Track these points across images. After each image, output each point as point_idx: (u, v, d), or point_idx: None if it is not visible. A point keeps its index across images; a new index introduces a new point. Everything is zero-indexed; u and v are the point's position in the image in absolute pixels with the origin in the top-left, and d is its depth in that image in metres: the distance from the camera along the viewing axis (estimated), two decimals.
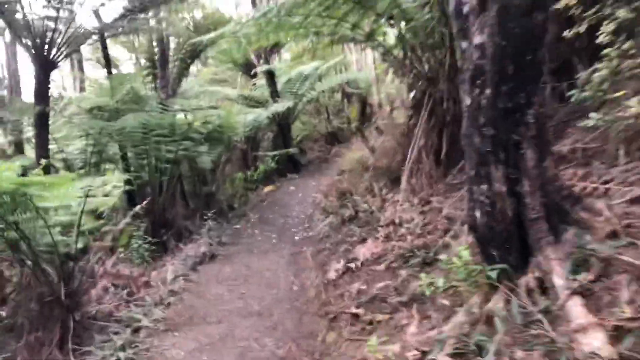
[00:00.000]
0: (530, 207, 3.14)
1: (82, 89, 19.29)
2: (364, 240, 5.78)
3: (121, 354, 4.44)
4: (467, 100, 3.28)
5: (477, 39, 3.14)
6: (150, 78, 12.99)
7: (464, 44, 3.32)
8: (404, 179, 6.39)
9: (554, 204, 3.24)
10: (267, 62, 14.49)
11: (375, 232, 5.78)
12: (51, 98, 9.41)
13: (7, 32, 12.55)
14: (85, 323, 5.25)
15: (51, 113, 9.31)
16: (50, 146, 8.93)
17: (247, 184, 12.42)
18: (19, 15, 8.38)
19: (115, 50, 18.09)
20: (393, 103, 13.38)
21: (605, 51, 3.88)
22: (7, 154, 11.43)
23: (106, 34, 10.39)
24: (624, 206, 3.43)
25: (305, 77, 14.70)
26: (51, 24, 8.36)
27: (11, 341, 5.21)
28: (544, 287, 3.07)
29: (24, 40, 8.60)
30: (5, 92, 13.80)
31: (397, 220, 5.63)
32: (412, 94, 7.59)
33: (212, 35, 7.74)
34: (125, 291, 5.94)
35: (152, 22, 10.60)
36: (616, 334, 2.48)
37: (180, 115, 10.31)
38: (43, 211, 4.71)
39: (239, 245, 8.20)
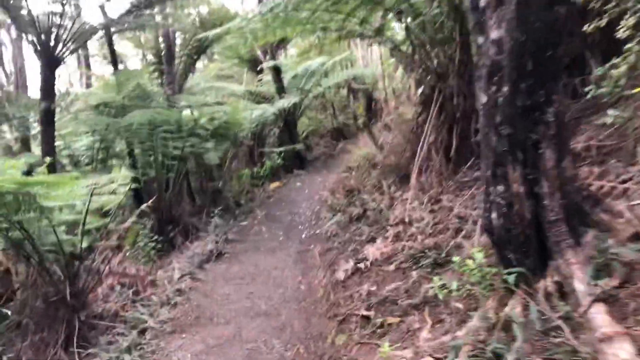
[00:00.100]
0: (549, 209, 3.02)
1: (88, 85, 19.23)
2: (372, 240, 5.66)
3: (126, 357, 4.37)
4: (483, 98, 3.16)
5: (494, 34, 3.02)
6: (156, 74, 12.91)
7: (480, 39, 3.19)
8: (413, 176, 6.26)
9: (574, 205, 3.12)
10: (273, 57, 14.39)
11: (384, 232, 5.66)
12: (57, 94, 9.35)
13: (13, 28, 12.50)
14: (90, 323, 5.19)
15: (57, 109, 9.25)
16: (56, 143, 8.86)
17: (253, 180, 12.34)
18: (24, 11, 8.29)
19: (122, 46, 18.03)
20: (399, 98, 13.28)
21: (628, 46, 3.74)
22: (13, 150, 11.37)
23: (112, 30, 10.31)
24: None
25: (312, 73, 14.60)
26: (57, 20, 8.28)
27: (17, 340, 5.16)
28: (563, 291, 2.96)
29: (29, 36, 8.52)
30: (11, 88, 13.75)
31: (406, 219, 5.51)
32: (420, 90, 7.47)
33: (218, 30, 7.64)
34: (131, 290, 5.88)
35: (158, 18, 10.50)
36: None
37: (186, 112, 10.23)
38: (47, 210, 4.64)
39: (245, 242, 8.11)
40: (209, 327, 4.94)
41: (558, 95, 2.97)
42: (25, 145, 11.34)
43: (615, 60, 4.14)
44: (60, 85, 21.24)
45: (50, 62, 8.50)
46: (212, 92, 15.20)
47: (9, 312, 5.53)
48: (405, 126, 7.60)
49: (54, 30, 8.39)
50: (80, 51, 17.96)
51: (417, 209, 5.62)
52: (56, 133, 8.76)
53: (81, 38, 9.14)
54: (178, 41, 12.44)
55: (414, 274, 4.34)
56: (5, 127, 12.06)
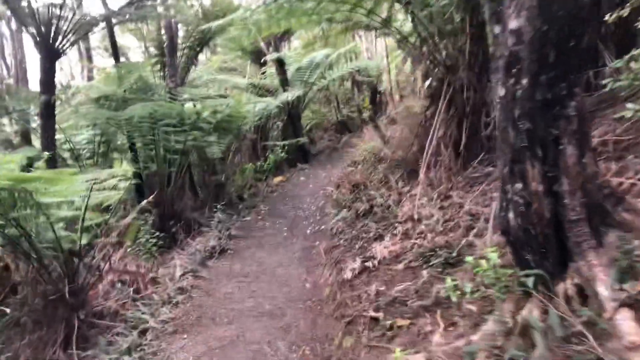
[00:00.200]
0: (569, 208, 2.86)
1: (90, 78, 19.07)
2: (380, 237, 5.50)
3: (126, 358, 4.23)
4: (501, 91, 3.00)
5: (513, 24, 2.85)
6: (158, 66, 12.74)
7: (497, 29, 3.03)
8: (422, 171, 6.10)
9: (595, 204, 2.96)
10: (277, 50, 14.22)
11: (392, 229, 5.50)
12: (58, 87, 9.20)
13: (13, 20, 12.34)
14: (90, 322, 5.06)
15: (58, 102, 9.10)
16: (57, 136, 8.72)
17: (256, 174, 12.18)
18: (23, 3, 8.13)
19: (124, 38, 17.86)
20: (403, 91, 13.10)
21: None
22: (13, 144, 11.23)
23: (113, 22, 10.14)
24: None
25: (316, 65, 14.41)
26: (56, 11, 8.11)
27: (16, 338, 5.03)
28: (584, 295, 2.81)
29: (29, 28, 8.37)
30: (11, 81, 13.60)
31: (415, 216, 5.35)
32: (427, 83, 7.30)
33: (221, 21, 7.47)
34: (132, 288, 5.74)
35: (160, 9, 10.32)
36: None
37: (189, 105, 10.07)
38: (45, 207, 4.49)
39: (249, 238, 7.97)
40: (212, 327, 4.80)
41: (580, 88, 2.81)
42: (25, 138, 11.19)
43: (634, 52, 3.98)
44: (61, 78, 21.13)
45: (50, 54, 8.35)
46: (215, 85, 15.05)
47: (8, 310, 5.39)
48: (413, 120, 7.42)
49: (54, 21, 8.23)
50: (81, 43, 17.84)
51: (426, 205, 5.47)
52: (57, 126, 8.61)
53: (81, 30, 8.98)
54: (180, 33, 12.26)
55: (424, 273, 4.18)
56: (5, 120, 11.92)
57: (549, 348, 2.59)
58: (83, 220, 5.05)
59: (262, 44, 14.56)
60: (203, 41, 12.12)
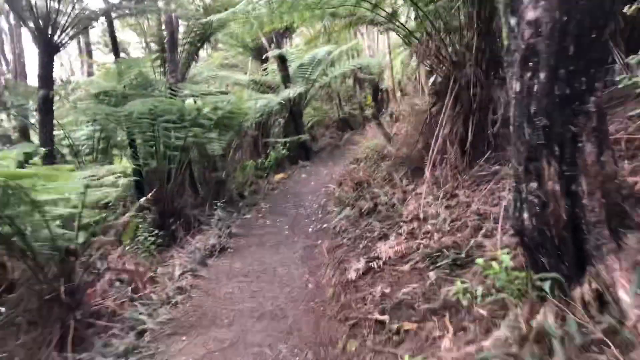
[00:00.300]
0: (588, 209, 2.72)
1: (90, 74, 18.91)
2: (385, 237, 5.35)
3: None
4: (516, 86, 2.85)
5: (530, 14, 2.70)
6: (159, 62, 12.60)
7: (513, 21, 2.87)
8: (427, 169, 5.96)
9: (614, 205, 2.82)
10: (278, 46, 14.09)
11: (397, 228, 5.35)
12: (57, 82, 9.06)
13: (12, 14, 12.20)
14: (86, 322, 4.92)
15: (57, 98, 8.97)
16: (56, 132, 8.58)
17: (257, 171, 12.07)
18: None
19: (124, 34, 17.71)
20: (408, 88, 12.97)
21: None
22: (11, 140, 11.07)
23: (113, 16, 9.98)
24: None
25: (318, 62, 14.29)
26: (55, 5, 7.97)
27: (10, 338, 4.89)
28: (603, 301, 2.67)
29: (27, 22, 8.22)
30: (10, 76, 13.45)
31: (421, 215, 5.21)
32: (432, 79, 7.17)
33: (222, 15, 7.32)
34: (130, 287, 5.60)
35: (160, 4, 10.18)
36: None
37: (189, 101, 9.93)
38: (40, 204, 4.35)
39: (249, 237, 7.84)
40: (211, 329, 4.66)
41: (601, 83, 2.67)
42: (23, 134, 11.04)
43: None
44: (61, 74, 20.99)
45: (49, 49, 8.20)
46: (216, 81, 14.92)
47: (3, 309, 5.26)
48: (417, 117, 7.28)
49: (53, 15, 8.10)
50: (81, 39, 17.68)
51: (432, 204, 5.33)
52: (56, 122, 8.47)
53: (81, 24, 8.84)
54: (181, 29, 12.12)
55: (432, 275, 4.04)
56: (3, 116, 11.77)
57: (568, 356, 2.46)
58: (80, 217, 4.91)
59: (263, 40, 14.43)
60: (204, 37, 11.98)
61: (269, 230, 8.11)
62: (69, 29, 8.32)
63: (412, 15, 7.24)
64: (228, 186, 10.11)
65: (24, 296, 5.09)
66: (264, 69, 16.04)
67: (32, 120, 10.90)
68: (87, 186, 4.49)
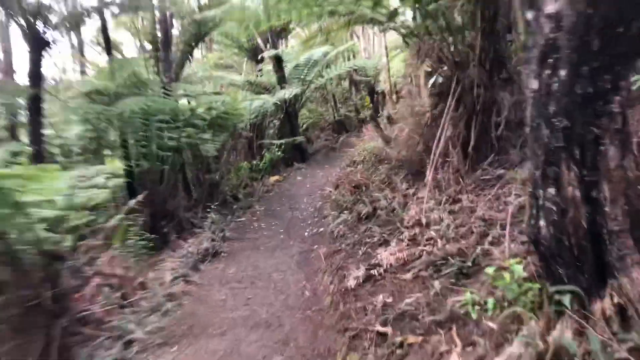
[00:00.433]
0: (611, 217, 2.53)
1: (82, 73, 18.65)
2: (385, 242, 5.15)
3: None
4: (534, 84, 2.66)
5: (550, 7, 2.51)
6: (153, 62, 12.39)
7: (530, 14, 2.68)
8: (428, 173, 5.77)
9: (638, 213, 2.63)
10: (274, 47, 13.90)
11: (398, 234, 5.14)
12: (49, 82, 8.85)
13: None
14: (72, 330, 4.69)
15: (48, 97, 8.74)
16: (47, 132, 8.35)
17: (252, 173, 11.85)
18: None
19: (118, 34, 17.52)
20: (402, 90, 12.78)
21: None
22: (0, 139, 10.81)
23: (106, 12, 9.76)
24: None
25: (314, 63, 14.11)
26: (45, 2, 7.78)
27: None
28: (626, 316, 2.48)
29: (16, 18, 8.00)
30: None
31: (423, 221, 5.01)
32: (432, 80, 6.97)
33: (218, 11, 7.12)
34: (119, 293, 5.37)
35: (155, 0, 9.96)
36: None
37: (183, 101, 9.72)
38: (24, 206, 4.13)
39: (244, 240, 7.62)
40: (203, 338, 4.44)
41: (627, 81, 2.48)
42: (12, 133, 10.78)
43: None
44: (53, 73, 20.71)
45: (39, 47, 7.99)
46: (211, 82, 14.71)
47: None
48: (417, 119, 7.08)
49: (43, 12, 7.89)
50: (74, 38, 17.44)
51: (435, 209, 5.13)
52: (47, 121, 8.24)
53: (72, 21, 8.64)
54: (175, 32, 11.94)
55: (436, 284, 3.84)
56: None
57: None
58: (67, 220, 4.69)
59: (259, 41, 14.25)
60: (199, 36, 11.76)
61: (264, 233, 7.89)
62: (60, 25, 8.12)
63: (412, 14, 7.05)
64: (222, 188, 9.90)
65: (7, 302, 4.86)
66: (259, 70, 15.87)
67: (23, 119, 10.65)
68: (73, 187, 4.26)
